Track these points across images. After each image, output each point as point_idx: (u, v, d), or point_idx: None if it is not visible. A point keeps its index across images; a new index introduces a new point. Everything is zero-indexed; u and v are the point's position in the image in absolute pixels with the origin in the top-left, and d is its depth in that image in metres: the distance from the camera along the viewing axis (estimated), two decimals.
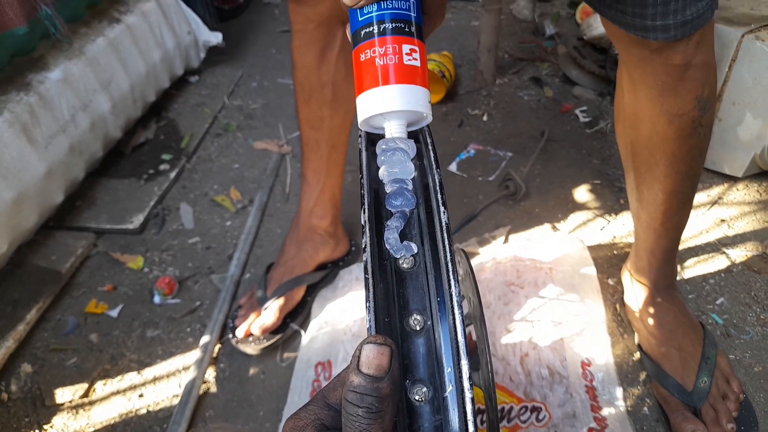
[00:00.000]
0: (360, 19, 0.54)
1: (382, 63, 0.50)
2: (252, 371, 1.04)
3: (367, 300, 0.34)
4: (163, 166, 1.50)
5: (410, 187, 0.41)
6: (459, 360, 0.32)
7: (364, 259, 0.36)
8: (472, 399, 0.30)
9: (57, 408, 1.00)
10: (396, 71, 0.49)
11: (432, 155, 0.45)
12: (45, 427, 0.97)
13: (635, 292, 0.96)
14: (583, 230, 1.23)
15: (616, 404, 0.88)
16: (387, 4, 0.54)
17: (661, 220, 0.86)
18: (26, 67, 1.23)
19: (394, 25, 0.52)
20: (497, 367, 0.93)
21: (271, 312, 1.04)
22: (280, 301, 1.05)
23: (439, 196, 0.39)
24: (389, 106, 0.49)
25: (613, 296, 1.07)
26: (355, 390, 0.29)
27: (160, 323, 1.13)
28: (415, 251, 0.38)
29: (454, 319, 0.33)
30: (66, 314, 1.15)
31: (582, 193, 1.32)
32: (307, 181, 1.09)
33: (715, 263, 1.13)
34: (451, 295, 0.34)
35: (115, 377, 1.04)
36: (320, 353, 1.01)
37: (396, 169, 0.42)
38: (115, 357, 1.08)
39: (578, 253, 1.09)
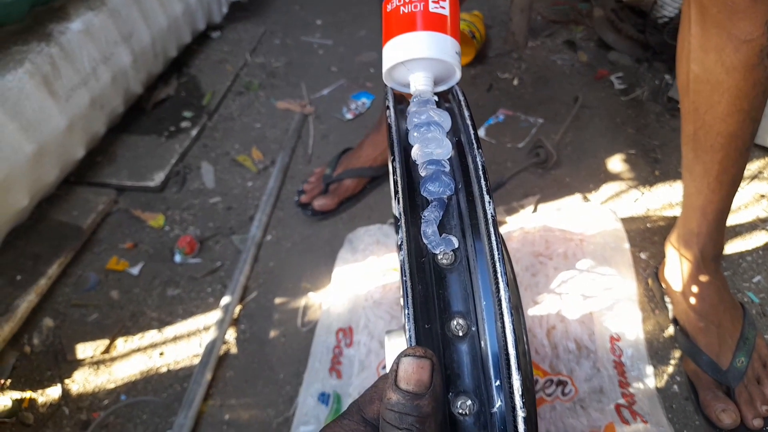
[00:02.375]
0: None
1: (407, 11, 0.46)
2: (272, 334, 1.03)
3: (405, 306, 0.30)
4: (184, 124, 1.47)
5: (447, 169, 0.37)
6: (510, 374, 0.28)
7: (401, 258, 0.32)
8: (525, 419, 0.27)
9: (78, 363, 1.00)
10: (421, 18, 0.46)
11: (471, 131, 0.41)
12: (66, 381, 0.98)
13: (678, 264, 0.92)
14: (615, 201, 1.18)
15: (645, 381, 0.85)
16: None
17: (716, 172, 0.81)
18: (47, 17, 1.20)
19: None
20: None
21: (330, 196, 1.21)
22: (340, 186, 1.22)
23: (483, 182, 0.35)
24: (412, 52, 0.45)
25: (645, 271, 1.04)
26: (393, 408, 0.26)
27: (180, 282, 1.12)
28: (456, 246, 0.34)
29: (503, 326, 0.29)
30: (87, 270, 1.15)
31: (615, 163, 1.26)
32: None
33: (753, 240, 1.08)
34: (499, 300, 0.30)
35: (135, 335, 1.04)
36: (341, 319, 0.99)
37: (430, 148, 0.37)
38: (135, 314, 1.07)
39: (611, 225, 1.05)
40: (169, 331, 1.05)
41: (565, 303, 0.93)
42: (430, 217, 0.34)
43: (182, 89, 1.60)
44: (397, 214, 0.34)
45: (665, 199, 1.18)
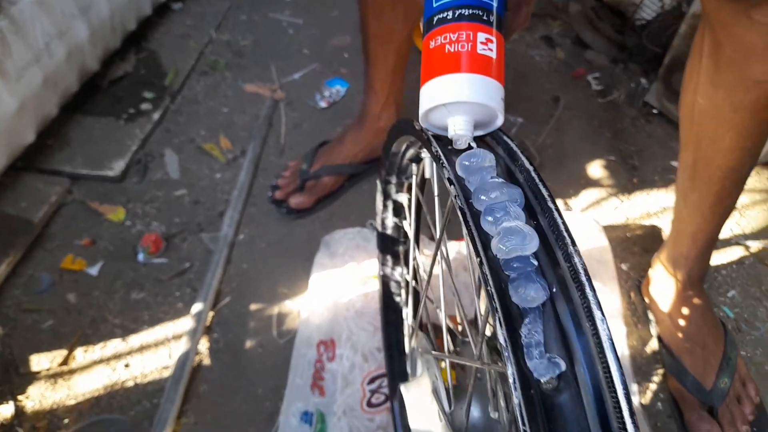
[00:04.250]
0: (435, 4, 0.48)
1: (453, 50, 0.43)
2: (248, 344, 0.97)
3: None
4: (144, 106, 1.36)
5: (536, 264, 0.33)
6: None
7: (516, 401, 0.28)
8: None
9: (33, 376, 0.92)
10: (467, 59, 0.42)
11: (548, 199, 0.37)
12: (20, 397, 0.89)
13: (665, 284, 0.93)
14: (595, 209, 1.18)
15: None
16: None
17: (711, 202, 0.81)
18: None
19: (471, 11, 0.44)
20: None
21: (307, 194, 1.14)
22: (318, 183, 1.16)
23: (583, 277, 0.31)
24: (456, 95, 0.42)
25: (627, 283, 1.04)
26: None
27: (145, 285, 1.05)
28: (564, 368, 0.30)
29: None
30: (39, 270, 1.05)
31: (595, 169, 1.26)
32: (374, 90, 1.11)
33: (728, 254, 1.11)
34: None
35: (97, 344, 0.96)
36: (321, 331, 0.95)
37: (514, 241, 0.32)
38: (96, 320, 0.99)
39: (595, 236, 1.04)
40: (135, 339, 0.97)
41: None
42: (532, 335, 0.30)
43: (141, 66, 1.48)
44: (502, 341, 0.30)
45: (644, 208, 1.19)
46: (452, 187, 0.37)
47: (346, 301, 0.99)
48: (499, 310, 0.30)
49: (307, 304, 1.00)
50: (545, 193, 0.36)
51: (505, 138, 0.44)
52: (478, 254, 0.33)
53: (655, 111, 1.41)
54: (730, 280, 1.06)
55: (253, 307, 1.02)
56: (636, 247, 1.11)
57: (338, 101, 1.45)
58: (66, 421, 0.87)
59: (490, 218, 0.34)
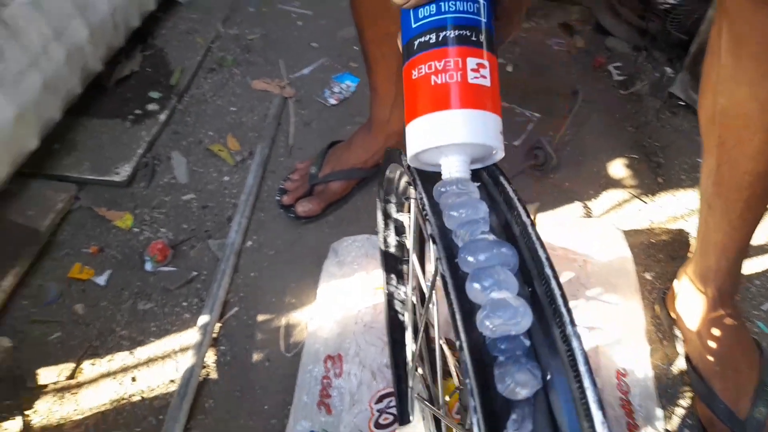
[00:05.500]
0: (414, 25, 0.42)
1: (440, 81, 0.38)
2: (255, 357, 0.95)
3: None
4: (151, 106, 1.34)
5: (527, 344, 0.29)
6: None
7: None
8: None
9: (40, 390, 0.91)
10: (458, 92, 0.37)
11: (545, 264, 0.32)
12: (27, 412, 0.89)
13: (692, 300, 0.87)
14: (617, 212, 1.13)
15: (654, 423, 0.82)
16: (449, 5, 0.41)
17: (740, 210, 0.75)
18: None
19: (457, 32, 0.39)
20: None
21: (315, 200, 1.11)
22: (327, 188, 1.12)
23: (582, 366, 0.26)
24: (447, 137, 0.37)
25: (651, 294, 0.99)
26: None
27: (153, 295, 1.03)
28: None
29: None
30: (47, 280, 1.04)
31: (617, 168, 1.20)
32: (377, 92, 1.06)
33: (762, 263, 1.04)
34: None
35: (104, 357, 0.95)
36: (329, 345, 0.92)
37: (503, 317, 0.28)
38: (103, 332, 0.98)
39: (616, 245, 1.00)
40: (142, 352, 0.96)
41: None
42: None
43: (147, 64, 1.45)
44: None
45: (670, 210, 1.13)
46: (435, 246, 0.34)
47: (354, 313, 0.96)
48: (478, 409, 0.26)
49: (314, 316, 0.97)
50: (542, 256, 0.32)
51: (502, 181, 0.39)
52: (457, 335, 0.29)
53: (681, 103, 1.34)
54: (764, 291, 1.01)
55: (261, 318, 1.00)
56: (661, 253, 1.06)
57: (348, 97, 1.41)
58: None
59: (477, 285, 0.30)
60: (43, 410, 0.89)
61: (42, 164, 1.18)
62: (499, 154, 0.41)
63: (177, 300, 1.02)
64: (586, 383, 0.26)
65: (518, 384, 0.27)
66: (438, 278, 0.33)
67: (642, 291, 0.98)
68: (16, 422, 0.87)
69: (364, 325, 0.94)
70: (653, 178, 1.19)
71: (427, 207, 0.37)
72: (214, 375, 0.93)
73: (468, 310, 0.30)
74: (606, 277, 0.95)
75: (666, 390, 0.88)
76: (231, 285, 1.04)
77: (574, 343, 0.27)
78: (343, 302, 0.97)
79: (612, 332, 0.89)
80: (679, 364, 0.90)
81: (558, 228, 1.03)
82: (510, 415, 0.27)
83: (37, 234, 1.07)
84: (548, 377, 0.28)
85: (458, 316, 0.30)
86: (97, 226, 1.13)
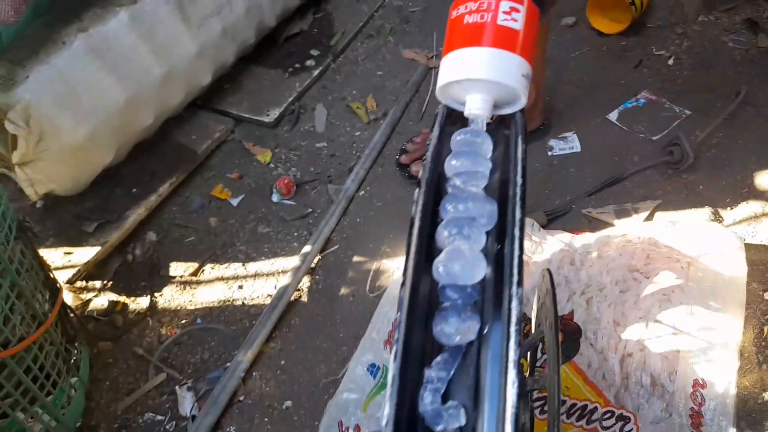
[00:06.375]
0: None
1: (471, 21, 0.40)
2: (343, 291, 1.03)
3: None
4: (309, 62, 1.48)
5: (474, 299, 0.29)
6: None
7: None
8: None
9: (169, 279, 1.09)
10: (485, 32, 0.39)
11: (516, 225, 0.32)
12: (156, 294, 1.07)
13: None
14: (751, 224, 1.01)
15: None
16: None
17: None
18: None
19: None
20: (592, 359, 0.82)
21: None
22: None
23: (513, 327, 0.27)
24: (469, 72, 0.39)
25: (764, 316, 0.88)
26: None
27: (272, 221, 1.16)
28: (463, 423, 0.27)
29: None
30: (194, 193, 1.23)
31: (765, 179, 1.07)
32: None
33: None
34: None
35: (222, 264, 1.11)
36: None
37: (455, 266, 0.29)
38: (226, 244, 1.14)
39: (731, 253, 0.89)
40: (252, 266, 1.10)
41: (650, 331, 0.82)
42: (435, 378, 0.27)
43: (316, 25, 1.60)
44: (389, 377, 0.28)
45: None
46: (418, 190, 0.36)
47: None
48: (400, 340, 0.28)
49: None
50: (517, 216, 0.32)
51: (519, 140, 0.40)
52: (405, 271, 0.31)
53: None
54: None
55: (356, 258, 1.07)
56: None
57: None
58: (183, 321, 1.02)
59: (445, 232, 0.32)
60: (167, 296, 1.07)
61: (211, 99, 1.38)
62: (523, 101, 0.42)
63: (290, 229, 1.14)
64: (511, 343, 0.27)
65: (447, 330, 0.28)
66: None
67: (754, 310, 0.87)
68: (146, 299, 1.06)
69: None
70: None
71: (430, 150, 0.39)
72: (304, 298, 1.03)
73: (429, 254, 0.32)
74: (711, 285, 0.86)
75: (749, 414, 0.78)
76: (337, 225, 1.13)
77: (513, 303, 0.28)
78: None
79: (700, 340, 0.81)
80: None
81: (670, 226, 0.96)
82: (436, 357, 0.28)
83: (194, 155, 1.26)
84: (485, 332, 0.29)
85: (411, 257, 0.32)
86: (242, 157, 1.30)
